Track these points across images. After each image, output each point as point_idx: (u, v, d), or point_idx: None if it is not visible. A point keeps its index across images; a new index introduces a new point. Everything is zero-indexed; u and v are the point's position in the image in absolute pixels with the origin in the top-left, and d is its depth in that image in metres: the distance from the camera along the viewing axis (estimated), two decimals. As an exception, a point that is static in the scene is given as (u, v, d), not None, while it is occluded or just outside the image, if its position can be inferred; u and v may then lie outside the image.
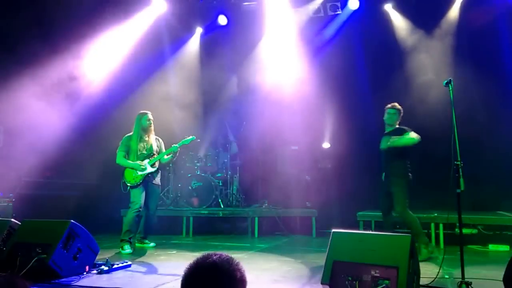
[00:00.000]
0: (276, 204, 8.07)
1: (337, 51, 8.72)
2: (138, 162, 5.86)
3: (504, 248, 6.00)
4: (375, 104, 8.38)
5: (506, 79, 7.47)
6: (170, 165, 8.21)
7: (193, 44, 9.52)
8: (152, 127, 6.07)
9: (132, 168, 5.83)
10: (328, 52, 8.81)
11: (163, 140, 6.36)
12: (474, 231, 6.87)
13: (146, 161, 5.93)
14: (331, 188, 8.64)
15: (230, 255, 1.66)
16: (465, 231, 6.88)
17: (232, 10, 9.05)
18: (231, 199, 8.48)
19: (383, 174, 5.64)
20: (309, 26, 8.81)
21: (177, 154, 6.23)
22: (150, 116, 6.06)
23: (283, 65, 9.16)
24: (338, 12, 8.50)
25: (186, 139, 6.14)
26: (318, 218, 7.79)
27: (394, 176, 5.39)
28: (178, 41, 9.25)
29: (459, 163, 3.63)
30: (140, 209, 5.70)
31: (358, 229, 7.05)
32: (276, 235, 7.73)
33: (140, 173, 5.81)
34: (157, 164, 6.07)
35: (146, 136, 6.02)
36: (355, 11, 8.35)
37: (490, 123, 7.27)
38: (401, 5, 8.15)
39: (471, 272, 4.34)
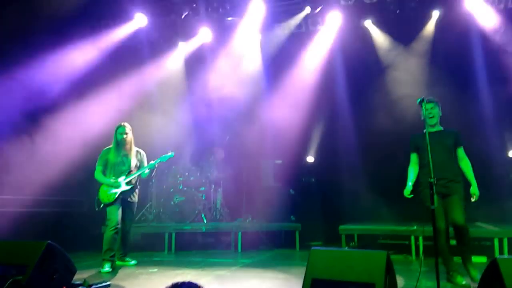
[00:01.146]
0: (260, 218, 8.07)
1: (318, 67, 8.83)
2: (112, 179, 5.72)
3: (482, 259, 6.07)
4: (357, 118, 8.54)
5: (479, 93, 7.70)
6: (152, 180, 8.16)
7: (176, 59, 9.51)
8: (128, 140, 5.83)
9: (107, 185, 5.71)
10: (310, 67, 8.92)
11: (145, 153, 6.19)
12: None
13: (122, 178, 5.77)
14: (315, 201, 8.69)
15: (199, 284, 1.66)
16: (445, 242, 6.98)
17: (216, 25, 9.07)
18: (214, 213, 8.45)
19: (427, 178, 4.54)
20: (291, 41, 8.90)
21: (155, 170, 6.13)
22: (125, 129, 5.79)
23: (266, 80, 9.27)
24: (319, 28, 8.61)
25: (164, 155, 6.01)
26: (302, 232, 7.81)
27: (456, 182, 4.63)
28: (161, 56, 9.24)
29: (432, 180, 3.69)
30: (118, 226, 5.56)
31: (341, 243, 7.09)
32: (260, 249, 7.71)
33: (114, 191, 5.67)
34: (134, 181, 5.89)
35: (125, 149, 5.81)
36: (336, 27, 8.44)
37: (465, 136, 7.40)
38: (380, 21, 8.29)
39: (448, 285, 4.41)
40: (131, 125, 6.01)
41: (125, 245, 6.05)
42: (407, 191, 4.75)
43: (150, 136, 7.94)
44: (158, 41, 9.25)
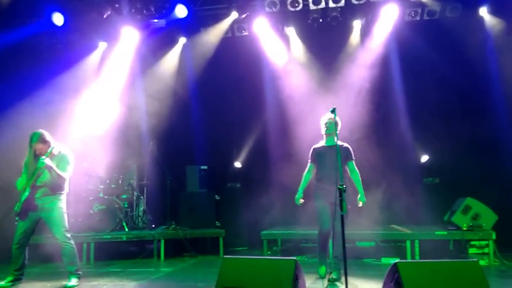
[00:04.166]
0: (185, 224, 7.91)
1: (246, 72, 8.85)
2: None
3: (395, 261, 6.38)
4: (284, 125, 8.65)
5: (396, 101, 8.17)
6: (69, 188, 7.64)
7: (95, 59, 9.08)
8: (41, 151, 5.10)
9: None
10: (237, 73, 8.93)
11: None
12: (372, 243, 7.33)
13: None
14: (240, 207, 8.67)
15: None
16: (364, 244, 7.34)
17: (140, 26, 8.79)
18: (137, 221, 8.17)
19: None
20: (218, 46, 8.85)
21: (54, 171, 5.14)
22: (36, 139, 5.13)
23: (191, 84, 9.16)
24: (245, 34, 8.65)
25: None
26: (227, 238, 7.78)
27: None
28: (78, 56, 8.79)
29: (341, 187, 3.80)
30: (20, 241, 5.07)
31: (262, 248, 7.15)
32: (183, 256, 7.58)
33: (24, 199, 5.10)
34: (38, 185, 5.16)
35: (40, 155, 5.10)
36: (260, 34, 8.53)
37: (381, 146, 7.82)
38: (303, 29, 8.49)
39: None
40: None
41: (63, 257, 5.28)
42: (298, 199, 5.51)
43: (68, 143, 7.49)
44: (78, 41, 8.83)
